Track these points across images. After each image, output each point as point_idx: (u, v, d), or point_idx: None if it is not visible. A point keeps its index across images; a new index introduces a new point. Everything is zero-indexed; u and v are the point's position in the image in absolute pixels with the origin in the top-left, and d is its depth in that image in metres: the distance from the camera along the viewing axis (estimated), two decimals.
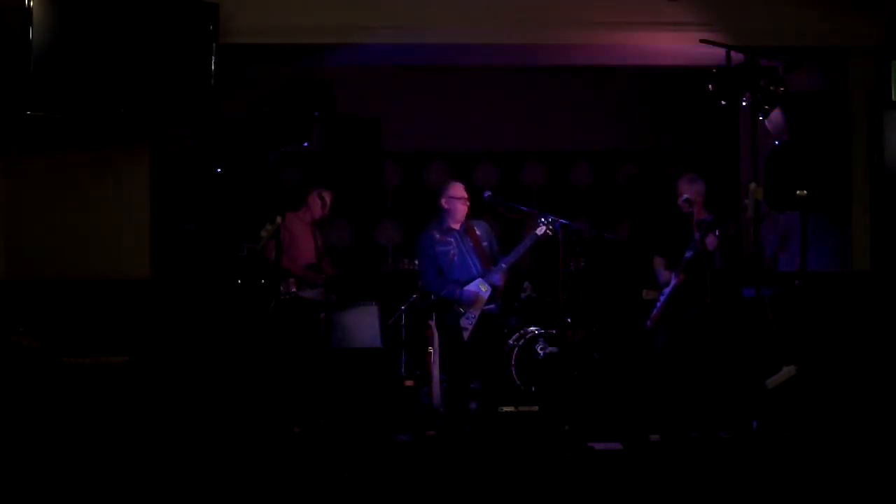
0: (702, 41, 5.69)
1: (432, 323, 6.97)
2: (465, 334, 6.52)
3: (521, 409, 7.43)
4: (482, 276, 6.55)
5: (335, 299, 7.12)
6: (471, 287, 6.52)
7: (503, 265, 6.59)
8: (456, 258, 6.57)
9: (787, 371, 5.67)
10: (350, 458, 6.00)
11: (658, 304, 6.55)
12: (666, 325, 6.54)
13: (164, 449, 5.60)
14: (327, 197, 7.12)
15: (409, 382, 7.55)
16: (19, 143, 6.22)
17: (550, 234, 6.45)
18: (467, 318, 6.53)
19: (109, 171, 6.38)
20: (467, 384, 6.66)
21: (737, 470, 5.64)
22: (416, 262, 7.09)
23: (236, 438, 6.11)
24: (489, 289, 6.54)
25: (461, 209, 6.58)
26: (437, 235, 6.62)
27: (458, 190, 6.59)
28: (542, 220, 6.49)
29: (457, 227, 6.62)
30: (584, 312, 7.71)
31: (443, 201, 6.63)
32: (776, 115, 6.06)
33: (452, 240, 6.60)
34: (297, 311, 6.82)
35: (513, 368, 7.59)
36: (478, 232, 6.65)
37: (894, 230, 6.58)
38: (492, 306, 6.60)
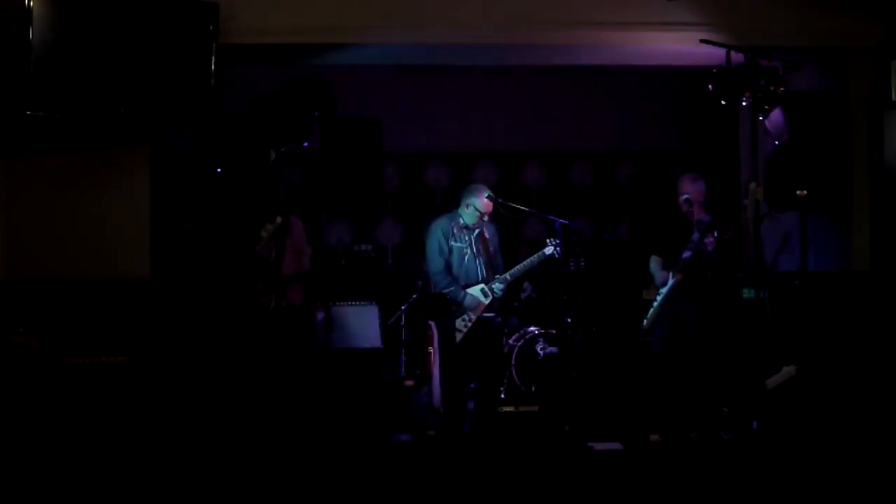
0: (702, 41, 5.69)
1: (432, 323, 6.97)
2: (458, 336, 6.52)
3: (521, 409, 7.43)
4: (485, 283, 6.56)
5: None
6: (473, 292, 6.53)
7: (507, 277, 6.60)
8: (467, 258, 6.57)
9: (787, 371, 5.66)
10: (350, 458, 5.99)
11: (655, 304, 6.55)
12: (663, 326, 6.54)
13: (164, 449, 5.60)
14: None
15: (409, 382, 7.55)
16: (19, 143, 6.21)
17: (557, 256, 6.50)
18: (463, 321, 6.53)
19: (109, 171, 6.38)
20: (462, 385, 6.65)
21: (737, 470, 5.64)
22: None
23: (236, 438, 6.10)
24: (490, 297, 6.55)
25: (478, 222, 6.58)
26: (455, 229, 6.60)
27: (484, 204, 6.51)
28: (550, 240, 6.56)
29: (472, 227, 6.61)
30: (584, 312, 7.72)
31: (464, 205, 6.59)
32: (776, 115, 6.06)
33: (467, 238, 6.60)
34: (290, 312, 6.81)
35: (513, 368, 7.60)
36: (487, 235, 6.65)
37: (894, 230, 6.58)
38: (491, 314, 6.60)
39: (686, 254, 6.40)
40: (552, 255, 6.55)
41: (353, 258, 8.09)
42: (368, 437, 6.66)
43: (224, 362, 6.61)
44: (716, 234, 6.27)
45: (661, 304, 6.52)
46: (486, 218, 6.58)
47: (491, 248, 6.66)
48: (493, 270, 6.62)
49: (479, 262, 6.59)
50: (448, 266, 6.56)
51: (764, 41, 6.21)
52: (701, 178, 6.59)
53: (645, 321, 6.60)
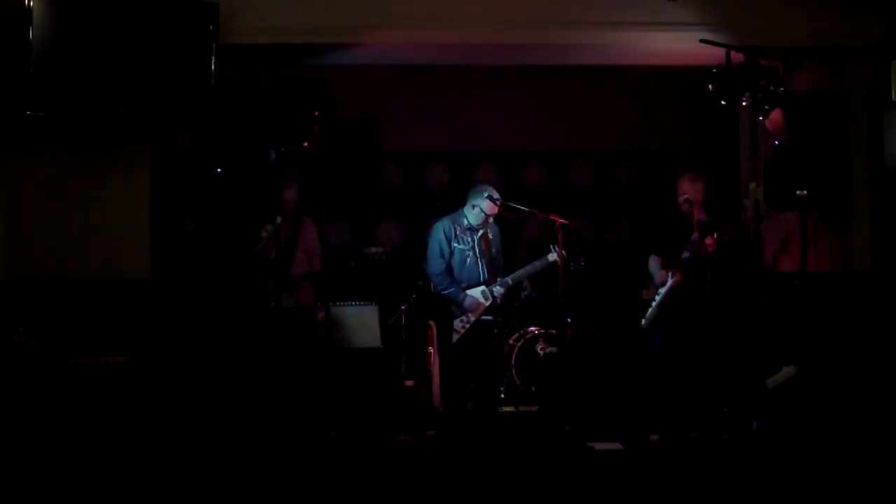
0: (702, 41, 5.69)
1: (432, 323, 6.97)
2: (455, 337, 6.53)
3: (521, 409, 7.42)
4: (486, 285, 6.56)
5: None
6: (474, 293, 6.53)
7: (508, 281, 6.61)
8: (469, 260, 6.57)
9: (787, 371, 5.67)
10: (350, 458, 5.99)
11: (654, 304, 6.55)
12: (662, 326, 6.54)
13: (163, 449, 5.60)
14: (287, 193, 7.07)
15: (409, 382, 7.55)
16: (19, 143, 6.22)
17: (559, 263, 6.49)
18: (460, 322, 6.53)
19: (109, 172, 6.38)
20: (462, 385, 6.65)
21: (737, 470, 5.64)
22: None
23: (236, 438, 6.10)
24: (490, 300, 6.55)
25: (483, 223, 6.58)
26: (458, 230, 6.60)
27: (490, 206, 6.52)
28: (553, 247, 6.56)
29: (477, 227, 6.61)
30: (584, 312, 7.71)
31: (470, 205, 6.59)
32: (776, 115, 6.06)
33: (470, 240, 6.60)
34: (291, 311, 6.80)
35: (513, 368, 7.59)
36: (490, 236, 6.65)
37: (894, 230, 6.58)
38: (489, 317, 6.60)
39: (685, 254, 6.41)
40: (555, 262, 6.56)
41: (362, 260, 8.07)
42: (369, 437, 6.66)
43: (224, 362, 6.61)
44: (716, 234, 6.27)
45: (660, 304, 6.52)
46: (491, 220, 6.59)
47: (493, 250, 6.67)
48: (494, 272, 6.63)
49: (482, 263, 6.60)
50: (449, 268, 6.57)
51: (764, 41, 6.21)
52: (701, 178, 6.60)
53: (643, 321, 6.60)
